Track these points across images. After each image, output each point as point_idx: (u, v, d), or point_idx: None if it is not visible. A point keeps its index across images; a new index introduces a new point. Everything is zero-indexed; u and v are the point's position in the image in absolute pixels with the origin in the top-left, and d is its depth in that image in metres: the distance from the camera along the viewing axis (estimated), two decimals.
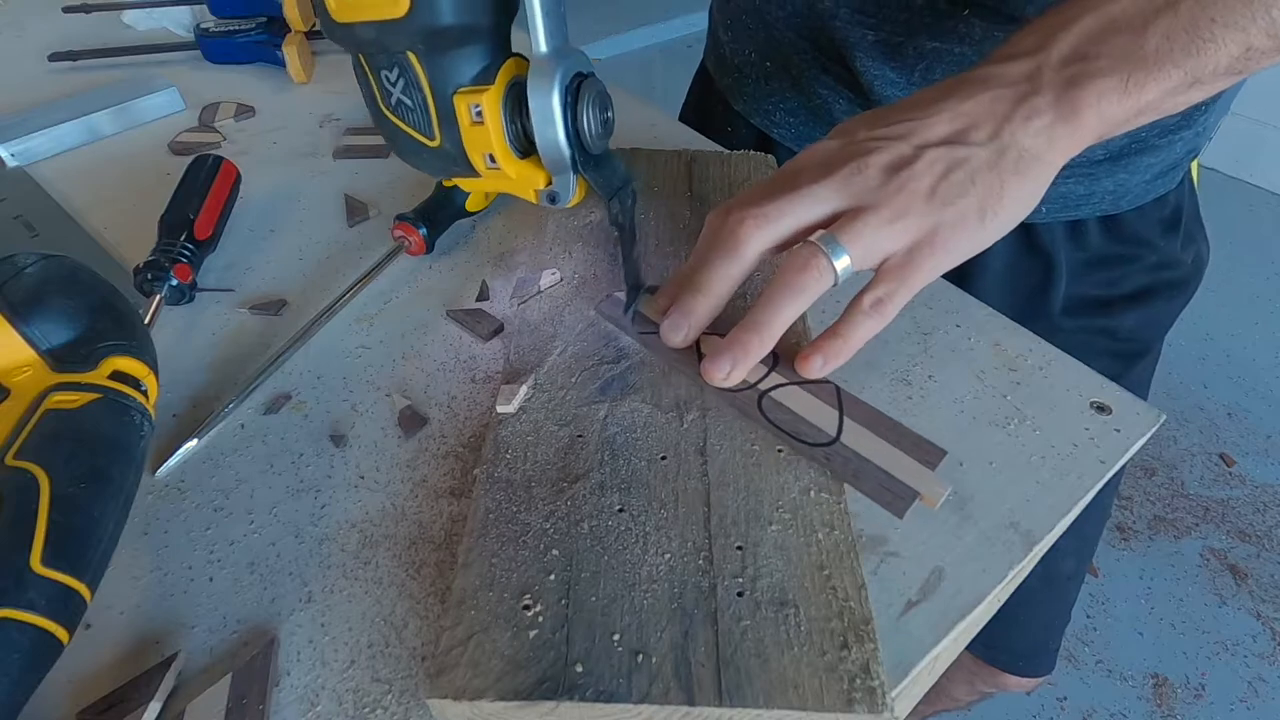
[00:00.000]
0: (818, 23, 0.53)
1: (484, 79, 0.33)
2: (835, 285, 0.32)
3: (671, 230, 0.44)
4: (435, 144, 0.35)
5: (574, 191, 0.36)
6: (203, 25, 0.67)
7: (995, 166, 0.32)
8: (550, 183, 0.36)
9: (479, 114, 0.33)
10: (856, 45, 0.51)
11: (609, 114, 0.36)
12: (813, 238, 0.32)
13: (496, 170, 0.35)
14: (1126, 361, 0.61)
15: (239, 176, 0.50)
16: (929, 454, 0.32)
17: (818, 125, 0.58)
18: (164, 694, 0.26)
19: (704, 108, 0.69)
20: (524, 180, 0.36)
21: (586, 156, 0.35)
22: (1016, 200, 0.32)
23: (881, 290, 0.33)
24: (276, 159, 0.55)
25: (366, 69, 0.35)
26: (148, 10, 0.74)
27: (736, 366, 0.34)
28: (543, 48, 0.32)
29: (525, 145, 0.35)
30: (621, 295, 0.39)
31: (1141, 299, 0.59)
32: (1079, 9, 0.33)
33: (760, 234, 0.33)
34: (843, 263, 0.32)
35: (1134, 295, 0.59)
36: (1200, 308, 0.86)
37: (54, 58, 0.66)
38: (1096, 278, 0.58)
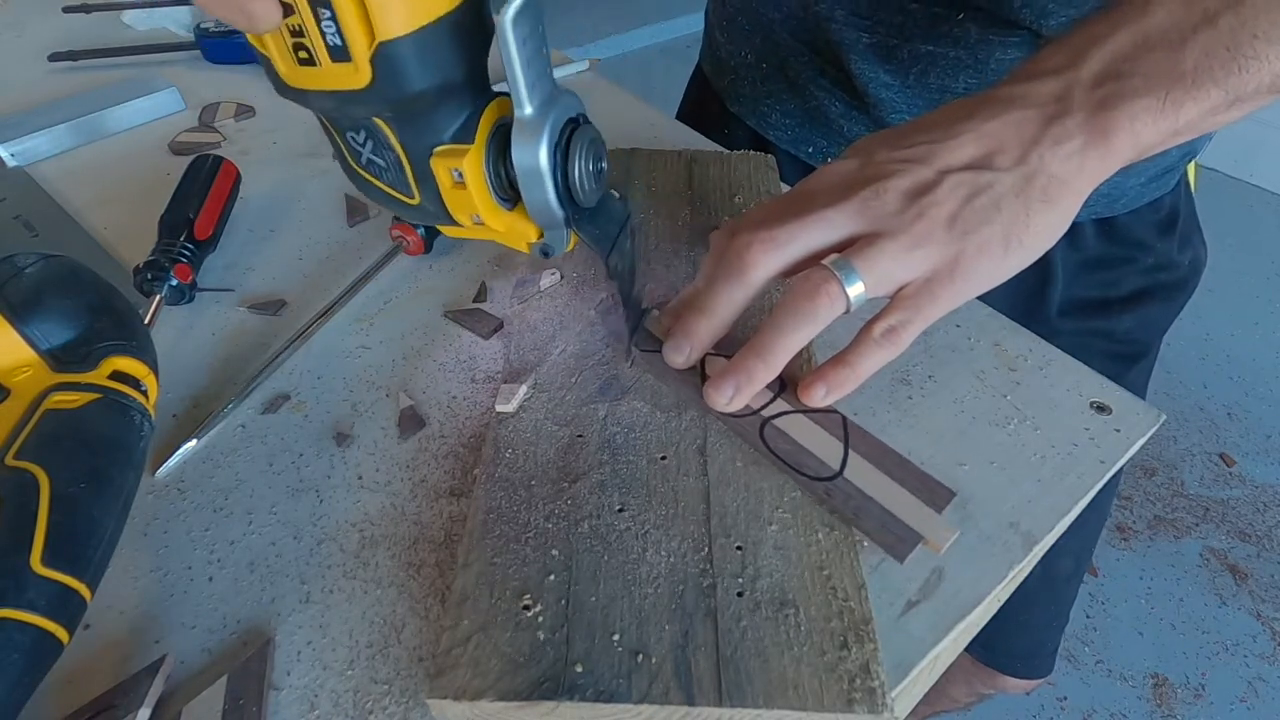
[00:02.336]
0: (814, 25, 0.53)
1: (463, 136, 0.30)
2: (847, 312, 0.31)
3: (671, 230, 0.44)
4: (415, 202, 0.32)
5: (567, 243, 0.33)
6: (203, 25, 0.67)
7: (1022, 194, 0.30)
8: (542, 236, 0.33)
9: (460, 176, 0.30)
10: (852, 48, 0.51)
11: (602, 164, 0.32)
12: (826, 261, 0.31)
13: (483, 225, 0.32)
14: (1125, 363, 0.62)
15: (239, 176, 0.50)
16: (936, 495, 0.31)
17: (814, 127, 0.58)
18: (154, 698, 0.26)
19: (700, 109, 0.69)
20: (514, 234, 0.33)
21: (580, 211, 0.32)
22: (1043, 229, 0.31)
23: (895, 319, 0.31)
24: (276, 159, 0.55)
25: (330, 128, 0.31)
26: (148, 10, 0.74)
27: (740, 392, 0.33)
28: (527, 110, 0.28)
29: (512, 195, 0.32)
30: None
31: (1139, 301, 0.59)
32: (1111, 24, 0.31)
33: (769, 259, 0.32)
34: (856, 289, 0.30)
35: (1131, 297, 0.59)
36: (1200, 308, 0.86)
37: (54, 58, 0.66)
38: (1093, 279, 0.58)
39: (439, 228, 0.35)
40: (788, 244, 0.32)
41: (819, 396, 0.33)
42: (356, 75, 0.26)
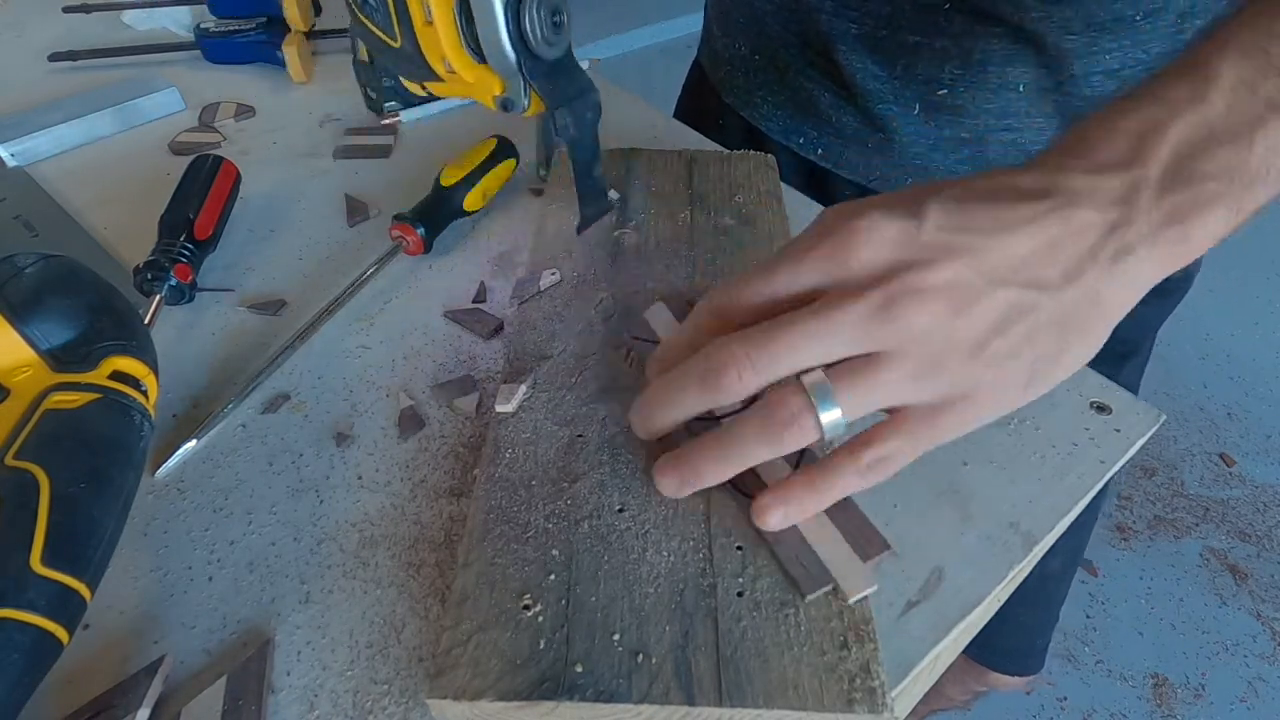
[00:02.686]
0: (804, 16, 0.54)
1: None
2: (820, 441, 0.27)
3: (671, 230, 0.44)
4: (397, 44, 0.35)
5: (528, 99, 0.35)
6: (203, 25, 0.67)
7: (1061, 323, 0.26)
8: (505, 89, 0.35)
9: (430, 15, 0.33)
10: (840, 39, 0.52)
11: (559, 16, 0.33)
12: (806, 382, 0.26)
13: (455, 75, 0.35)
14: (1117, 362, 0.62)
15: (239, 176, 0.50)
16: (870, 545, 0.28)
17: (804, 118, 0.58)
18: (153, 699, 0.26)
19: (697, 101, 0.70)
20: (481, 86, 0.35)
21: (536, 62, 0.34)
22: (1070, 363, 0.27)
23: (887, 449, 0.27)
24: (276, 159, 0.55)
25: None
26: (148, 10, 0.74)
27: (685, 486, 0.29)
28: None
29: (480, 50, 0.34)
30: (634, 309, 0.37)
31: None
32: (1169, 109, 0.26)
33: (747, 383, 0.27)
34: (831, 416, 0.26)
35: None
36: (1200, 308, 0.86)
37: (54, 58, 0.66)
38: None
39: (429, 87, 0.39)
40: (771, 367, 0.26)
41: (774, 521, 0.28)
42: None
